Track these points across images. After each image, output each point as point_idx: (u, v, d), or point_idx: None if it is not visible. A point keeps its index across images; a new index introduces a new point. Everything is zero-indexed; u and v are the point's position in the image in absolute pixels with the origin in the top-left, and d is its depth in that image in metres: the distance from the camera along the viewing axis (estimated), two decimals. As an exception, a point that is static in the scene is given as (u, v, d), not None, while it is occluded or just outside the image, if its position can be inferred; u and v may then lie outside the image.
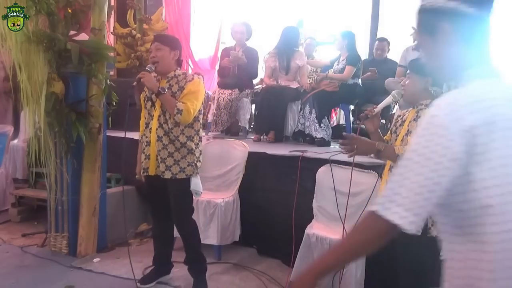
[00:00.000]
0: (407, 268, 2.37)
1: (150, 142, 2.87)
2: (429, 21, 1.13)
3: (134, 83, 2.81)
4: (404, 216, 0.98)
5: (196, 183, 2.92)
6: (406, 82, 2.46)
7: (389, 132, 2.63)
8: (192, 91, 2.80)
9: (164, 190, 2.93)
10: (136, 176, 3.08)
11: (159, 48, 2.82)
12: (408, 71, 2.52)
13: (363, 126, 2.62)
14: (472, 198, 0.99)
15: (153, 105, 2.87)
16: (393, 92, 2.60)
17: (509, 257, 0.98)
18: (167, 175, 2.83)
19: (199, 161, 2.93)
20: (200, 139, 2.96)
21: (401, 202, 0.99)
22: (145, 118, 2.95)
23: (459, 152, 0.97)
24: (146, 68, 2.85)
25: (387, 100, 2.59)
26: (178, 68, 2.93)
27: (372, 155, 2.46)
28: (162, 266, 3.15)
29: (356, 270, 2.85)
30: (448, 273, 1.07)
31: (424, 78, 2.39)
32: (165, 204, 2.98)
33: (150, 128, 2.88)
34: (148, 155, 2.88)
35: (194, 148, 2.87)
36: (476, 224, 0.99)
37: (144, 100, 2.97)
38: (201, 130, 2.97)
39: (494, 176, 0.98)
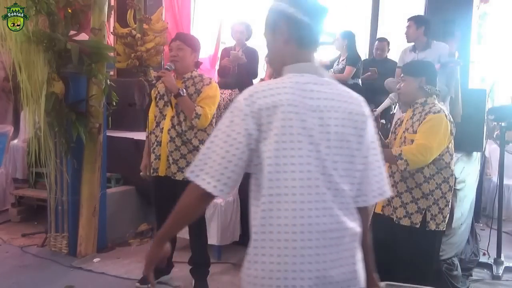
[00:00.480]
0: (405, 261, 2.40)
1: (161, 142, 2.81)
2: (272, 20, 1.33)
3: (154, 81, 2.81)
4: (210, 182, 1.19)
5: None
6: (401, 85, 2.53)
7: (390, 134, 2.69)
8: (210, 95, 2.81)
9: (172, 191, 2.88)
10: (141, 173, 3.04)
11: (181, 48, 2.79)
12: (401, 74, 2.60)
13: None
14: (260, 168, 1.22)
15: (166, 104, 2.82)
16: (390, 95, 2.71)
17: (270, 215, 1.21)
18: (179, 176, 2.79)
19: None
20: None
21: (208, 170, 1.19)
22: (155, 117, 2.89)
23: (251, 129, 1.19)
24: (166, 67, 2.81)
25: (386, 102, 2.71)
26: (195, 70, 2.91)
27: None
28: (162, 266, 3.13)
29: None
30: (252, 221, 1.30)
31: (418, 78, 2.46)
32: (172, 205, 2.95)
33: (162, 128, 2.82)
34: (158, 155, 2.82)
35: None
36: (262, 188, 1.23)
37: (155, 98, 2.92)
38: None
39: (270, 149, 1.19)
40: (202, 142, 2.84)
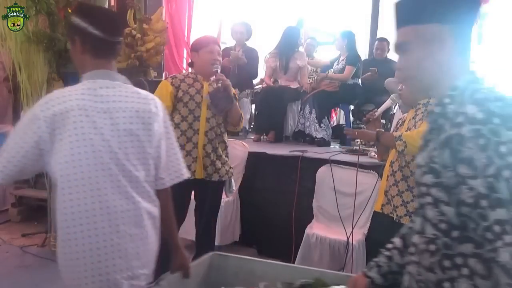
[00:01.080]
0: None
1: (197, 144, 2.77)
2: (70, 34, 1.57)
3: (206, 89, 2.76)
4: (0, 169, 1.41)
5: (233, 184, 2.99)
6: (403, 86, 2.50)
7: None
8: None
9: (190, 193, 2.91)
10: None
11: (220, 54, 2.83)
12: None
13: (364, 126, 2.65)
14: (52, 169, 1.42)
15: (198, 106, 2.76)
16: (392, 95, 2.67)
17: (71, 205, 1.40)
18: (215, 177, 2.81)
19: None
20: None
21: (0, 159, 1.41)
22: (183, 117, 2.77)
23: (41, 132, 1.39)
24: (215, 69, 2.76)
25: (387, 103, 2.68)
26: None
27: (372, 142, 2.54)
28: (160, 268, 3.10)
29: (356, 270, 2.85)
30: None
31: None
32: (185, 209, 2.95)
33: (197, 129, 2.76)
34: (195, 157, 2.77)
35: (228, 152, 2.96)
36: (61, 182, 1.41)
37: (178, 96, 2.78)
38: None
39: (66, 148, 1.39)
40: (227, 143, 2.93)
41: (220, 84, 2.70)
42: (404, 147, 2.29)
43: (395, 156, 2.46)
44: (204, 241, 3.03)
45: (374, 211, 2.56)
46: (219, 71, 2.74)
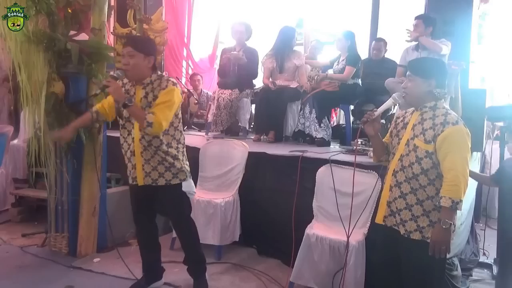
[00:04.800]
0: (409, 272, 2.34)
1: (134, 151, 2.75)
2: None
3: (98, 91, 2.73)
4: None
5: (188, 185, 2.87)
6: (408, 84, 2.34)
7: (388, 134, 2.54)
8: (164, 100, 2.63)
9: (150, 196, 2.88)
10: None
11: (132, 54, 2.62)
12: (408, 72, 2.39)
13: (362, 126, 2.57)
14: None
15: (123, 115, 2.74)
16: (393, 95, 2.50)
17: None
18: (161, 182, 2.77)
19: (185, 164, 2.87)
20: (179, 142, 2.84)
21: None
22: (123, 125, 2.80)
23: None
24: (113, 74, 2.68)
25: (388, 103, 2.50)
26: (155, 73, 2.76)
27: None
28: (152, 272, 3.10)
29: (356, 270, 2.85)
30: None
31: (427, 80, 2.27)
32: (150, 210, 2.96)
33: (133, 138, 2.74)
34: (134, 164, 2.76)
35: (176, 153, 2.79)
36: None
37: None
38: (178, 132, 2.83)
39: None
40: (169, 145, 2.76)
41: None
42: (453, 200, 2.14)
43: (398, 165, 2.32)
44: (182, 243, 3.06)
45: (375, 223, 2.46)
46: (117, 75, 2.68)
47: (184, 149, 2.91)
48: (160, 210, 3.00)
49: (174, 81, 2.76)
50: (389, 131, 2.55)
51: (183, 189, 2.85)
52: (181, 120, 2.88)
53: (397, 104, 2.80)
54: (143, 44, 2.75)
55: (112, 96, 2.61)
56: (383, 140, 2.54)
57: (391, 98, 2.48)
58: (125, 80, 2.80)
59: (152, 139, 2.71)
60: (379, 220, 2.42)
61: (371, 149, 3.71)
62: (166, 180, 2.78)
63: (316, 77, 4.94)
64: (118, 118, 2.87)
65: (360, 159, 3.00)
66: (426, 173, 2.24)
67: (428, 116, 2.28)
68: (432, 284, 2.32)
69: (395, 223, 2.34)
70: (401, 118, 2.46)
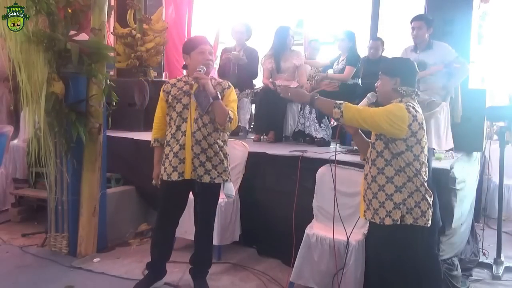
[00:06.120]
0: (405, 269, 2.36)
1: (184, 145, 2.78)
2: None
3: (195, 89, 2.76)
4: None
5: (229, 187, 2.93)
6: (378, 84, 2.48)
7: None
8: (233, 99, 2.86)
9: (186, 195, 2.93)
10: (153, 182, 3.02)
11: (211, 53, 2.83)
12: (380, 72, 2.52)
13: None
14: None
15: (186, 107, 2.79)
16: (368, 94, 2.63)
17: None
18: (206, 179, 2.80)
19: (230, 166, 2.96)
20: (226, 143, 2.96)
21: None
22: (174, 121, 2.83)
23: None
24: (198, 69, 2.74)
25: (363, 102, 2.63)
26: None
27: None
28: (157, 272, 3.09)
29: (356, 270, 2.85)
30: None
31: (393, 79, 2.41)
32: (181, 209, 2.98)
33: (184, 131, 2.79)
34: (182, 158, 2.79)
35: (228, 153, 2.91)
36: None
37: (168, 102, 2.88)
38: (226, 135, 2.96)
39: None
40: (224, 143, 2.89)
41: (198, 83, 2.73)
42: (340, 116, 2.29)
43: (370, 153, 2.43)
44: (201, 241, 3.04)
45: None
46: (202, 71, 2.73)
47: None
48: (195, 207, 3.00)
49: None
50: None
51: (225, 191, 2.90)
52: None
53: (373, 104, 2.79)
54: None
55: (207, 88, 2.69)
56: (368, 140, 2.59)
57: (366, 97, 2.60)
58: (189, 80, 2.87)
59: (212, 132, 2.80)
60: (361, 215, 2.54)
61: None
62: (211, 178, 2.80)
63: (316, 77, 4.94)
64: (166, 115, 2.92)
65: (359, 158, 3.00)
66: (381, 155, 2.36)
67: None
68: (423, 278, 2.36)
69: (371, 216, 2.43)
70: None
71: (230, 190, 2.94)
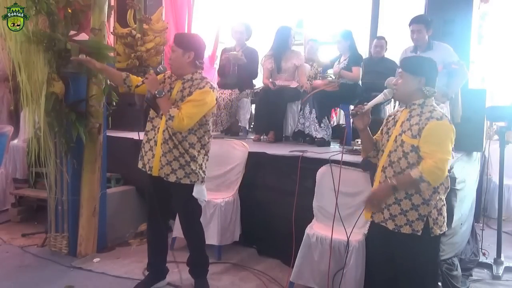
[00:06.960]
0: (409, 271, 2.35)
1: (156, 142, 2.79)
2: None
3: (140, 83, 2.83)
4: None
5: (199, 191, 2.84)
6: (398, 81, 2.39)
7: (379, 132, 2.57)
8: (195, 98, 2.68)
9: (166, 191, 2.90)
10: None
11: (174, 50, 2.77)
12: (399, 69, 2.44)
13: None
14: None
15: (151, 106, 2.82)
16: (385, 90, 2.52)
17: None
18: (172, 178, 2.77)
19: (202, 169, 2.83)
20: (203, 147, 2.83)
21: None
22: (151, 119, 2.88)
23: None
24: (157, 69, 2.84)
25: (378, 98, 2.51)
26: (198, 71, 2.82)
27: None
28: (157, 273, 3.09)
29: (356, 270, 2.85)
30: None
31: (417, 78, 2.32)
32: (165, 205, 2.96)
33: (158, 128, 2.81)
34: (153, 154, 2.81)
35: (196, 156, 2.78)
36: None
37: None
38: (206, 138, 2.84)
39: None
40: (192, 145, 2.77)
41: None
42: (429, 185, 2.19)
43: (386, 161, 2.35)
44: (188, 242, 3.06)
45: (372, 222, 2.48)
46: (162, 69, 2.88)
47: (207, 157, 2.88)
48: (174, 208, 3.00)
49: (214, 85, 2.85)
50: (380, 128, 2.58)
51: (194, 194, 2.83)
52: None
53: (388, 101, 2.76)
54: (183, 39, 2.85)
55: (146, 86, 2.74)
56: (373, 137, 2.56)
57: (382, 93, 2.50)
58: (173, 78, 2.88)
59: (176, 133, 2.75)
60: (367, 217, 2.46)
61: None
62: (177, 178, 2.77)
63: (319, 77, 4.93)
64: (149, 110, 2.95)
65: (359, 158, 3.00)
66: (412, 167, 2.26)
67: (416, 113, 2.33)
68: (426, 276, 2.34)
69: (383, 219, 2.35)
70: (393, 116, 2.51)
71: (200, 194, 2.84)
